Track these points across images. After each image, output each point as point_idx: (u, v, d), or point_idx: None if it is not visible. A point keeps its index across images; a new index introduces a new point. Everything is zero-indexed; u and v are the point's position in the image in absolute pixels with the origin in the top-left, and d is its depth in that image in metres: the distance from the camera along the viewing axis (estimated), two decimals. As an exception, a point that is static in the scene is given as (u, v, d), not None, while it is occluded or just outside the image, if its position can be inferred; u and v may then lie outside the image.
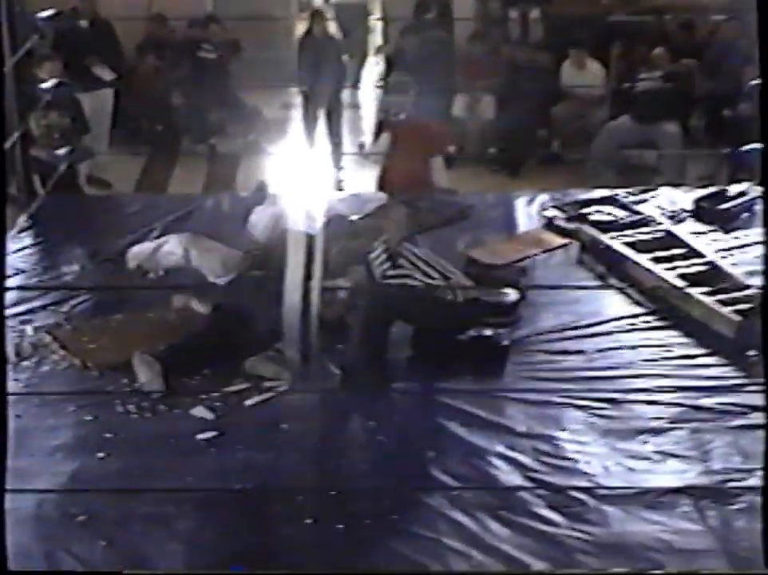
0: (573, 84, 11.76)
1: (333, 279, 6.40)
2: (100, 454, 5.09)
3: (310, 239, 5.82)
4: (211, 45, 11.99)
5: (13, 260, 7.06)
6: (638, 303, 6.41)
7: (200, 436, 5.20)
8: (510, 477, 4.95)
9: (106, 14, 11.87)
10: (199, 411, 5.37)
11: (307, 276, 5.61)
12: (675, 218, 7.43)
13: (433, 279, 5.85)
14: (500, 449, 5.13)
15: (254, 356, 5.74)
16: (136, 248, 6.85)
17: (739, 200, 7.48)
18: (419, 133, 8.25)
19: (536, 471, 4.98)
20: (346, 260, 6.28)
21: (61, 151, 7.99)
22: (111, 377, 5.71)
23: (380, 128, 8.58)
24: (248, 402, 5.48)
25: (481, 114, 12.09)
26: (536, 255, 7.06)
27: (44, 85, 7.94)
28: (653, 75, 10.95)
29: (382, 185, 8.41)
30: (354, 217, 7.49)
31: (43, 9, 7.88)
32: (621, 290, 6.53)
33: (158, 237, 6.92)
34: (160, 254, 6.70)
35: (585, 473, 4.96)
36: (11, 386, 5.49)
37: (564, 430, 5.26)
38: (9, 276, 6.84)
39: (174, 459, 5.07)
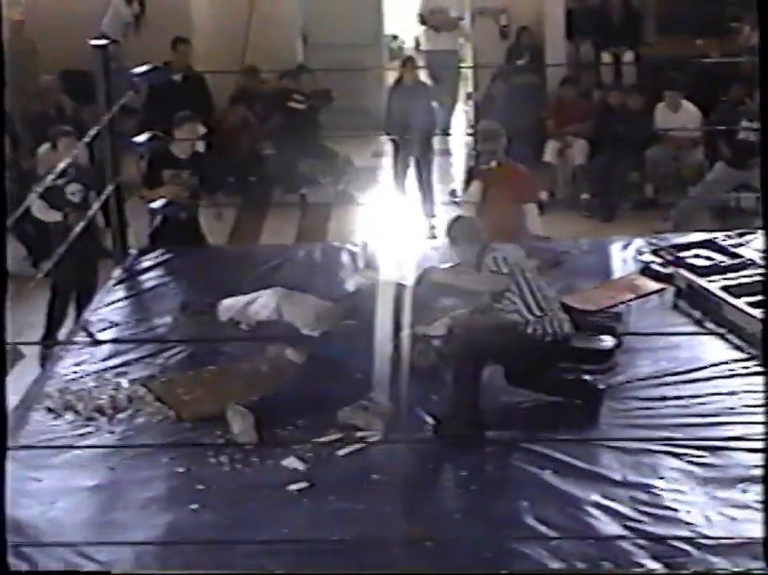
0: (667, 126, 11.65)
1: (425, 326, 6.38)
2: (194, 506, 5.08)
3: (400, 288, 5.78)
4: (301, 95, 12.08)
5: (107, 313, 7.15)
6: (737, 348, 6.27)
7: (292, 487, 5.17)
8: (608, 526, 4.85)
9: (199, 68, 12.05)
10: (291, 462, 5.34)
11: (398, 325, 5.58)
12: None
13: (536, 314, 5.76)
14: (597, 498, 5.03)
15: (347, 406, 5.70)
16: (228, 301, 6.87)
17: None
18: (511, 180, 8.20)
19: (634, 520, 4.87)
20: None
21: (157, 203, 8.06)
22: (204, 428, 5.72)
23: (471, 176, 8.55)
24: (340, 453, 5.44)
25: (573, 159, 12.03)
26: (630, 300, 6.95)
27: (137, 139, 8.05)
28: (755, 125, 10.73)
29: (475, 233, 8.36)
30: (447, 265, 7.47)
31: (138, 65, 8.03)
32: (720, 335, 6.39)
33: (250, 290, 6.92)
34: (252, 309, 6.71)
35: (686, 522, 4.84)
36: (107, 438, 5.60)
37: (662, 478, 5.14)
38: (105, 329, 6.94)
39: (267, 510, 5.04)
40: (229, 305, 6.86)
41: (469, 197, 8.37)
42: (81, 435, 5.72)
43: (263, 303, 6.73)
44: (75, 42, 9.79)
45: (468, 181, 8.51)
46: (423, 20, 14.18)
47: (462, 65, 14.48)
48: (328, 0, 14.13)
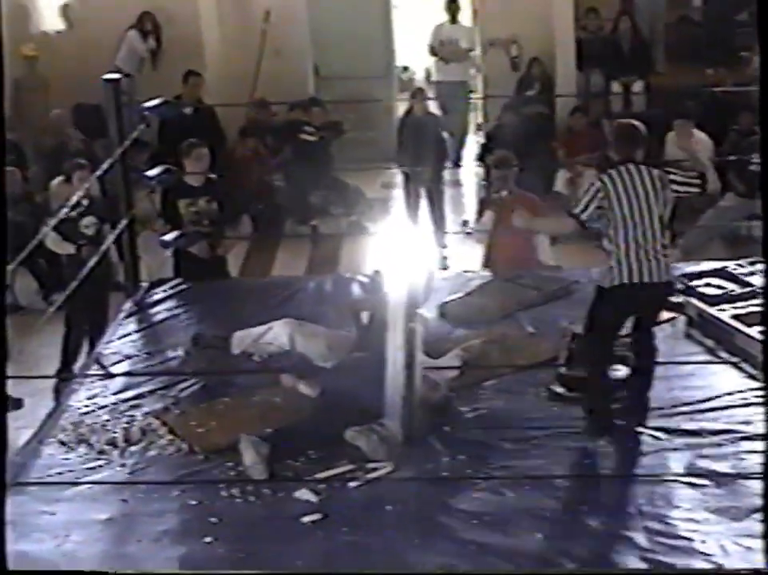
0: (678, 156, 11.64)
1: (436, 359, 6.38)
2: (207, 539, 5.06)
3: (412, 319, 5.77)
4: (312, 127, 12.12)
5: (120, 346, 7.17)
6: (751, 377, 6.24)
7: (305, 519, 5.15)
8: (625, 558, 4.83)
9: (210, 100, 12.11)
10: (303, 494, 5.33)
11: (411, 357, 5.57)
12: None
13: None
14: (613, 528, 5.01)
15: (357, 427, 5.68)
16: (240, 333, 6.88)
17: None
18: (522, 210, 8.20)
19: (651, 551, 4.85)
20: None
21: (169, 236, 8.08)
22: (216, 461, 5.71)
23: (483, 206, 8.56)
24: (352, 484, 5.42)
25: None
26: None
27: (149, 173, 8.08)
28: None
29: (487, 263, 8.38)
30: (458, 295, 7.49)
31: (149, 99, 8.07)
32: (733, 364, 6.37)
33: (262, 322, 6.92)
34: (265, 340, 6.72)
35: (702, 553, 4.81)
36: (119, 471, 5.59)
37: (677, 508, 5.12)
38: (118, 362, 6.95)
39: (280, 543, 5.03)
40: (241, 337, 6.87)
41: (481, 227, 8.39)
42: (94, 468, 5.71)
43: (275, 335, 6.74)
44: (88, 77, 9.86)
45: (480, 212, 8.54)
46: (434, 51, 14.23)
47: (472, 95, 14.54)
48: (339, 32, 14.19)
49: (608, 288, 5.71)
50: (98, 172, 7.83)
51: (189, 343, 7.07)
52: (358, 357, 6.12)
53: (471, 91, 14.57)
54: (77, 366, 8.47)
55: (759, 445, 5.57)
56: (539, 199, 8.61)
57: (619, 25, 13.47)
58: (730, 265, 7.67)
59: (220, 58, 13.53)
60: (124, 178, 7.89)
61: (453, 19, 14.12)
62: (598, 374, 5.80)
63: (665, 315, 7.07)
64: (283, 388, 6.35)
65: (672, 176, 5.79)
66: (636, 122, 5.96)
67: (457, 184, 13.66)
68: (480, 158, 12.72)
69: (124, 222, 7.84)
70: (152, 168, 8.25)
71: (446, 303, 7.37)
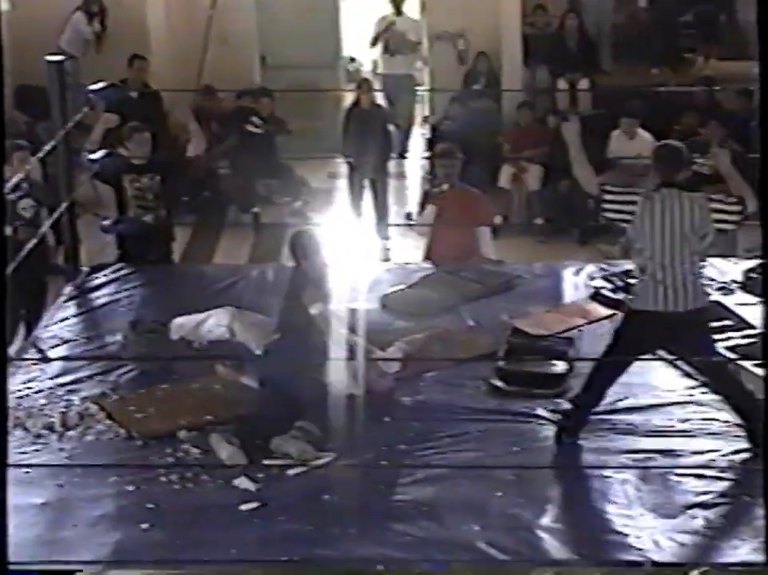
0: (622, 154, 11.72)
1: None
2: (144, 525, 5.05)
3: (352, 311, 5.78)
4: (258, 118, 12.07)
5: (58, 330, 7.11)
6: (688, 376, 6.30)
7: (243, 507, 5.15)
8: (559, 551, 4.87)
9: (156, 85, 12.02)
10: (242, 482, 5.32)
11: (351, 349, 5.57)
12: (725, 289, 7.34)
13: None
14: (548, 522, 5.04)
15: (278, 437, 5.65)
16: (179, 320, 6.84)
17: (790, 271, 7.36)
18: (465, 204, 8.24)
19: (585, 545, 4.89)
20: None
21: (107, 221, 8.04)
22: (154, 447, 5.69)
23: (426, 199, 8.58)
24: (290, 473, 5.42)
25: (528, 184, 12.09)
26: (582, 326, 6.98)
27: (92, 156, 8.01)
28: (707, 162, 10.75)
29: (428, 255, 8.40)
30: (400, 287, 7.50)
31: (94, 82, 8.00)
32: (670, 362, 6.42)
33: (203, 309, 6.89)
34: (204, 328, 6.69)
35: (635, 547, 4.86)
36: (55, 456, 5.55)
37: (612, 503, 5.17)
38: (56, 346, 6.89)
39: (217, 530, 5.02)
40: (181, 324, 6.83)
41: (423, 220, 8.40)
42: (30, 452, 5.67)
43: (215, 323, 6.71)
44: (31, 58, 9.75)
45: (423, 204, 8.55)
46: (375, 42, 14.15)
47: (418, 88, 14.55)
48: (287, 21, 14.15)
49: (633, 311, 5.69)
50: (39, 155, 7.75)
51: (128, 329, 7.02)
52: (279, 341, 6.03)
53: (417, 84, 14.57)
54: (12, 350, 8.38)
55: (694, 443, 5.65)
56: (482, 193, 8.64)
57: (566, 23, 13.51)
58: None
59: (166, 43, 13.43)
60: (67, 161, 7.82)
61: (398, 11, 14.08)
62: (596, 394, 5.76)
63: (606, 311, 7.13)
64: (220, 377, 6.33)
65: (713, 205, 5.76)
66: (678, 143, 5.94)
67: (401, 176, 13.67)
68: (427, 150, 12.74)
69: (63, 205, 7.77)
70: (95, 151, 8.17)
71: (388, 294, 7.38)
